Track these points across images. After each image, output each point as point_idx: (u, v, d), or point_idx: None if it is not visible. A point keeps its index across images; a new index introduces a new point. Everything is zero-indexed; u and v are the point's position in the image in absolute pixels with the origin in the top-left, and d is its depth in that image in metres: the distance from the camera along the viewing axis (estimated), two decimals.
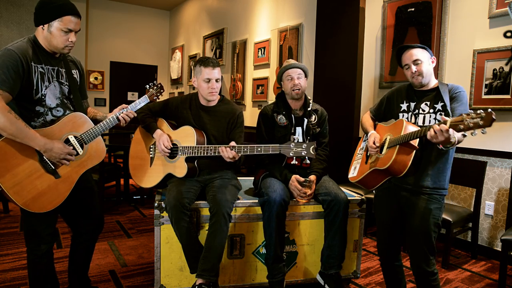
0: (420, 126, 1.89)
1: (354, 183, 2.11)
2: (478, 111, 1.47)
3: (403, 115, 2.00)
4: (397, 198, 1.96)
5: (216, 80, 2.28)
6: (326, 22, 4.27)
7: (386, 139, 1.95)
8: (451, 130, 1.55)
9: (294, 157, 1.95)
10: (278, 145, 1.97)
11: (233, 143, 2.06)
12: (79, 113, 1.86)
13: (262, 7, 5.67)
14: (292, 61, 2.50)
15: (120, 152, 5.13)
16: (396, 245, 2.05)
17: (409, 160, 1.79)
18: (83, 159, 1.85)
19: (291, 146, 1.93)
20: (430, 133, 1.62)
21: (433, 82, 1.95)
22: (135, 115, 2.02)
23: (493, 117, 1.44)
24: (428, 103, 1.92)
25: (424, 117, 1.91)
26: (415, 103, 1.96)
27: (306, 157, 1.92)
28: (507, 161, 2.98)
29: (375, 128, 2.13)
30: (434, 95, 1.91)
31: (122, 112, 1.96)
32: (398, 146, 1.81)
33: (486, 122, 1.45)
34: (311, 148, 1.91)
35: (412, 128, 1.83)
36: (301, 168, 2.41)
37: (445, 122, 1.57)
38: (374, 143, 1.97)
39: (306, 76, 2.46)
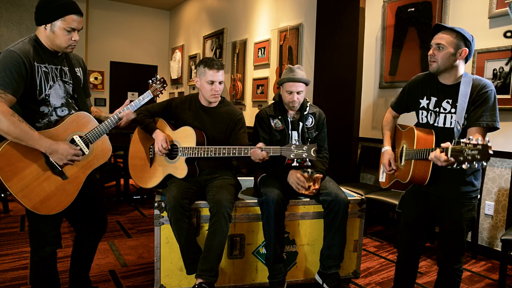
0: (439, 128, 1.79)
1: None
2: (474, 141, 1.37)
3: (422, 113, 1.87)
4: (425, 202, 1.89)
5: (220, 83, 2.28)
6: (326, 22, 4.27)
7: (403, 148, 1.90)
8: (451, 159, 1.46)
9: (295, 159, 1.95)
10: (279, 147, 1.99)
11: (261, 144, 2.03)
12: (83, 112, 1.85)
13: (262, 7, 5.67)
14: (296, 70, 2.37)
15: (120, 152, 5.13)
16: (418, 246, 1.97)
17: (428, 172, 1.73)
18: (89, 158, 1.84)
19: (292, 148, 1.95)
20: (430, 157, 1.57)
21: (458, 75, 1.76)
22: (134, 115, 2.03)
23: (490, 151, 1.34)
24: (450, 101, 1.76)
25: (445, 117, 1.77)
26: (436, 99, 1.80)
27: (307, 159, 1.93)
28: (507, 161, 2.98)
29: (395, 134, 2.03)
30: (456, 92, 1.74)
31: (123, 111, 1.97)
32: (413, 160, 1.76)
33: (482, 157, 1.35)
34: (312, 150, 1.93)
35: (422, 137, 1.77)
36: (301, 168, 2.40)
37: (446, 151, 1.48)
38: (389, 164, 1.91)
39: (306, 85, 2.39)
